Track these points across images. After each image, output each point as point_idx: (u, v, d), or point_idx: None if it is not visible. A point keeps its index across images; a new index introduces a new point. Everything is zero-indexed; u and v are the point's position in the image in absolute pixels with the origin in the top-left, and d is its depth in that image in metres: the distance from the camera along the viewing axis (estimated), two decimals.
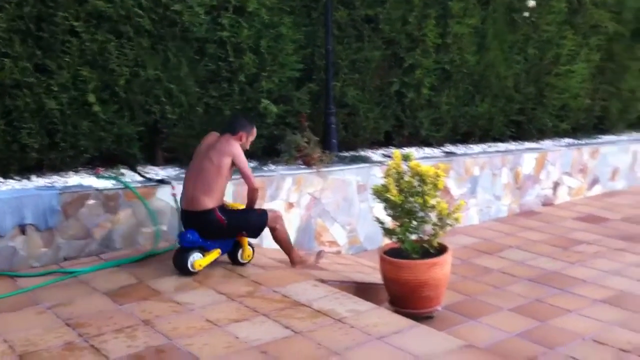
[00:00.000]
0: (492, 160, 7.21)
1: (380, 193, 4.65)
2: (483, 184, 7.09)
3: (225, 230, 4.45)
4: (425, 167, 4.59)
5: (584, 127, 8.78)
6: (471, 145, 7.59)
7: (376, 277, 4.92)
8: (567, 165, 7.89)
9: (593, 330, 4.37)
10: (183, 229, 4.56)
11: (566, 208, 7.60)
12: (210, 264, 4.42)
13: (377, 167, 6.17)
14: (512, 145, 7.86)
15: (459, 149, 7.40)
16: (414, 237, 4.61)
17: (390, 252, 4.64)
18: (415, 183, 4.55)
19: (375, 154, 6.68)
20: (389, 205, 4.63)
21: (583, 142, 8.42)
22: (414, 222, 4.57)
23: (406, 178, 4.60)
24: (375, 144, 6.96)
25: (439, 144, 7.40)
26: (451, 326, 4.37)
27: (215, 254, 4.47)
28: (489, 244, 6.35)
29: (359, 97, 6.63)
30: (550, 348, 4.09)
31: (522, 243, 6.35)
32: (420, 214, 4.56)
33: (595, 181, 8.24)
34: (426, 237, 4.61)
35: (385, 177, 4.69)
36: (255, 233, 4.63)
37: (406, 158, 4.69)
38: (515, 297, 5.00)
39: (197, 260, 4.35)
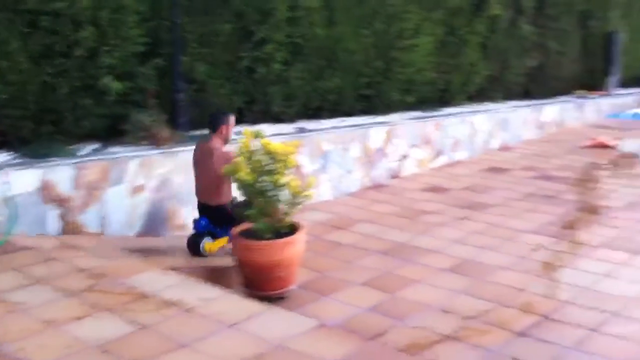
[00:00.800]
0: (343, 135, 7.30)
1: (231, 173, 4.54)
2: (335, 159, 7.17)
3: (234, 221, 4.83)
4: (276, 144, 4.53)
5: (430, 100, 9.12)
6: (322, 121, 7.65)
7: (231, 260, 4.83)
8: (414, 138, 8.18)
9: (440, 299, 4.56)
10: (198, 216, 5.19)
11: (413, 180, 7.89)
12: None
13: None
14: (362, 120, 8.01)
15: (311, 124, 7.43)
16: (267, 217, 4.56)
17: (245, 233, 4.56)
18: (267, 161, 4.49)
19: None
20: (241, 185, 4.54)
21: (428, 114, 8.76)
22: (266, 202, 4.51)
23: (257, 157, 4.52)
24: None
25: (291, 119, 7.39)
26: (304, 305, 4.38)
27: (223, 240, 5.10)
28: (342, 219, 6.45)
29: (208, 73, 6.44)
30: (400, 319, 4.21)
31: (373, 216, 6.50)
32: (272, 193, 4.51)
33: (439, 152, 8.62)
34: (279, 217, 4.57)
35: (236, 156, 4.58)
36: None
37: (257, 135, 4.61)
38: (366, 271, 5.11)
39: (207, 243, 5.05)
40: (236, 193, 4.79)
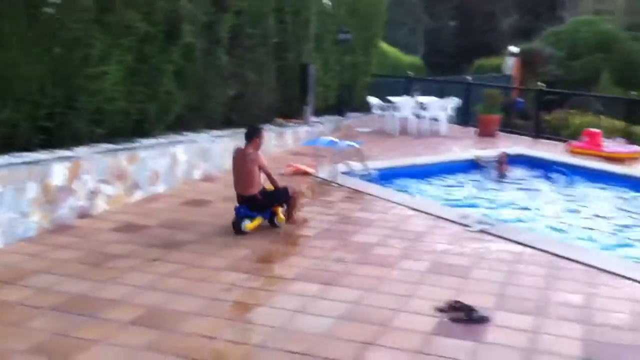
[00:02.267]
0: (17, 174, 6.32)
1: None
2: (6, 201, 6.15)
3: (263, 205, 6.81)
4: None
5: (122, 131, 8.45)
6: None
7: None
8: (104, 173, 7.45)
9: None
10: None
11: (104, 219, 7.15)
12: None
13: None
14: (42, 155, 7.06)
15: None
16: None
17: None
18: None
19: None
20: None
21: (121, 146, 8.09)
22: None
23: None
24: None
25: None
26: None
27: (259, 220, 6.83)
28: (11, 271, 5.49)
29: None
30: None
31: (51, 265, 5.65)
32: None
33: (135, 187, 7.99)
34: None
35: None
36: (283, 203, 6.99)
37: None
38: (35, 334, 4.31)
39: (247, 224, 6.71)
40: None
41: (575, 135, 13.14)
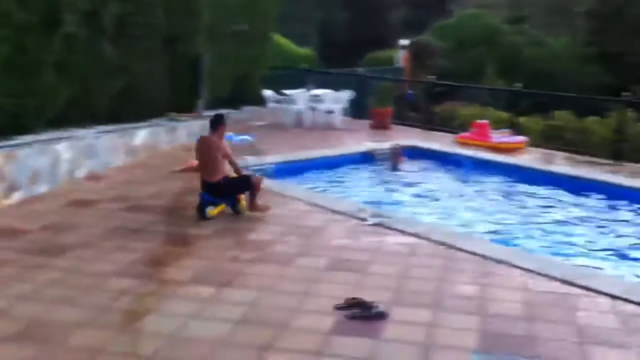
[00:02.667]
0: None
1: None
2: None
3: (226, 192, 7.09)
4: None
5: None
6: None
7: None
8: None
9: None
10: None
11: None
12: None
13: None
14: None
15: None
16: None
17: None
18: None
19: None
20: None
21: None
22: None
23: None
24: None
25: None
26: None
27: (222, 206, 7.13)
28: None
29: None
30: None
31: None
32: None
33: (13, 188, 7.44)
34: None
35: None
36: (245, 190, 7.11)
37: None
38: None
39: (210, 210, 7.00)
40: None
41: (464, 126, 13.53)
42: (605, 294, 5.19)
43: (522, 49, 27.11)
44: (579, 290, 5.27)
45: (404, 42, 21.77)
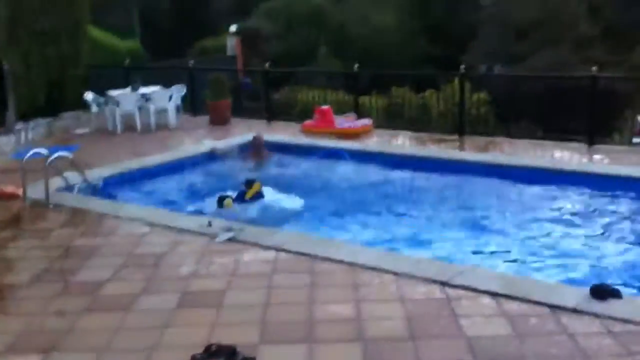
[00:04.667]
0: None
1: None
2: None
3: None
4: None
5: None
6: None
7: None
8: None
9: None
10: None
11: None
12: None
13: None
14: None
15: None
16: None
17: None
18: None
19: None
20: None
21: None
22: None
23: None
24: None
25: None
26: None
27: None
28: None
29: None
30: None
31: None
32: None
33: None
34: None
35: None
36: None
37: None
38: None
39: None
40: None
41: (305, 113, 13.01)
42: (486, 292, 4.78)
43: (350, 28, 27.28)
44: (458, 292, 4.83)
45: (233, 27, 20.86)
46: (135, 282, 5.29)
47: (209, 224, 6.50)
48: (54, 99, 12.86)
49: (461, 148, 10.19)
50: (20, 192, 7.93)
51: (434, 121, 12.54)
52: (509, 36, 20.67)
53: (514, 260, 6.22)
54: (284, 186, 8.24)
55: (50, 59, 12.70)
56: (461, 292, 4.83)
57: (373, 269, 5.31)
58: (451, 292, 4.84)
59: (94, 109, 12.67)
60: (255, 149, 10.02)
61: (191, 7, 27.52)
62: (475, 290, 4.83)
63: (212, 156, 10.20)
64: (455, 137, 10.91)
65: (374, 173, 9.30)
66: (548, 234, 6.86)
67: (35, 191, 7.79)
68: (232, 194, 7.61)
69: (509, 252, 6.44)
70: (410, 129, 11.67)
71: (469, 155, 9.69)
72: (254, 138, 10.13)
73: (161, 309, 4.78)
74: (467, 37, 22.29)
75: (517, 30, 20.64)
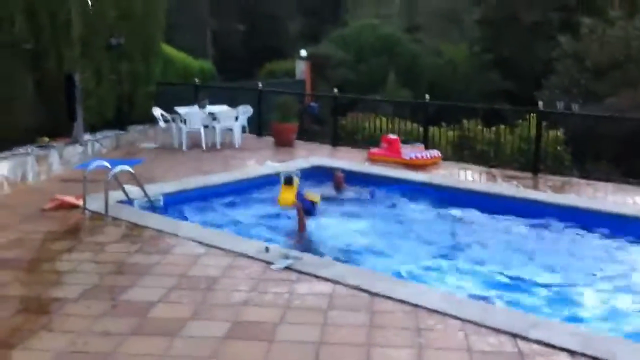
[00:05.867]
0: None
1: None
2: None
3: None
4: None
5: None
6: None
7: None
8: None
9: None
10: None
11: None
12: None
13: None
14: None
15: None
16: None
17: None
18: None
19: None
20: None
21: None
22: None
23: None
24: None
25: None
26: None
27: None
28: None
29: None
30: None
31: None
32: None
33: None
34: None
35: None
36: None
37: None
38: None
39: None
40: None
41: (371, 140, 12.71)
42: (563, 349, 4.31)
43: (421, 58, 26.97)
44: (532, 346, 4.38)
45: (304, 52, 20.83)
46: (186, 305, 5.04)
47: (267, 250, 6.24)
48: (123, 112, 12.95)
49: (535, 187, 9.63)
50: (80, 202, 7.87)
51: (507, 157, 12.00)
52: (587, 74, 19.86)
53: (592, 315, 5.68)
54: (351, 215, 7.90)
55: (123, 74, 12.81)
56: (535, 346, 4.38)
57: (436, 312, 4.91)
58: (524, 346, 4.39)
59: (162, 124, 12.70)
60: (335, 184, 9.61)
61: (263, 30, 27.81)
62: (551, 346, 4.37)
63: (275, 179, 9.92)
64: (529, 174, 10.36)
65: (441, 208, 8.84)
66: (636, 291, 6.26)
67: (96, 203, 7.72)
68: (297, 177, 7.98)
69: (588, 305, 5.89)
70: (479, 163, 11.20)
71: (547, 195, 9.06)
72: (335, 175, 9.72)
73: (210, 336, 4.51)
74: (540, 73, 21.58)
75: (596, 69, 19.84)
